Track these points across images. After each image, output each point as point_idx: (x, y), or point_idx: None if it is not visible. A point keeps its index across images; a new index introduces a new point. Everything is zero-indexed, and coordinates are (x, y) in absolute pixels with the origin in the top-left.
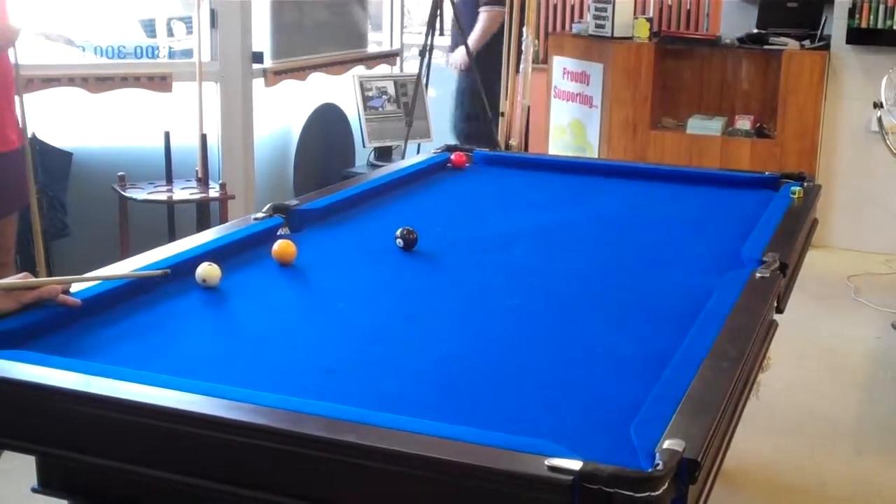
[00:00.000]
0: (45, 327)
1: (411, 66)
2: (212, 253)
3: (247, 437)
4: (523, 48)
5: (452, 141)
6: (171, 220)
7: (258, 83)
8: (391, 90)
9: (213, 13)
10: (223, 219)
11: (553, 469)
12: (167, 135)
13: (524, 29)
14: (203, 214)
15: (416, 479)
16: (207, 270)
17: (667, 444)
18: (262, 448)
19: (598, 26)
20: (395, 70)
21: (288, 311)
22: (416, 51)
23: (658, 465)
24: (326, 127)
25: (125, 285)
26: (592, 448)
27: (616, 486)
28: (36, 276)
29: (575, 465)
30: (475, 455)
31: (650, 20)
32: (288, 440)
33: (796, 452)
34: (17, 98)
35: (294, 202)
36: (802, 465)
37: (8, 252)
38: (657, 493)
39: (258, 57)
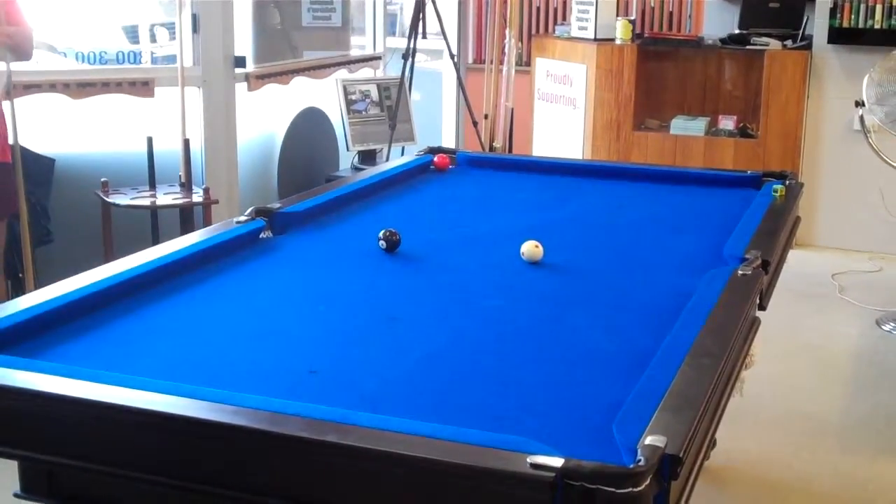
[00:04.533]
0: (25, 332)
1: (394, 68)
2: (194, 256)
3: (229, 438)
4: (506, 50)
5: (438, 143)
6: (154, 226)
7: (241, 87)
8: (374, 94)
9: (195, 18)
10: (207, 223)
11: (535, 466)
12: (150, 140)
13: (507, 31)
14: (186, 219)
15: (398, 477)
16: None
17: (648, 440)
18: (245, 449)
19: (580, 28)
20: (379, 73)
21: (270, 312)
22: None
23: (640, 461)
24: (310, 131)
25: (108, 289)
26: (575, 445)
27: (598, 482)
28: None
29: (557, 461)
30: (457, 453)
31: (633, 21)
32: (270, 440)
33: (781, 449)
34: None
35: (277, 205)
36: (787, 461)
37: None
38: (639, 488)
39: (240, 61)
